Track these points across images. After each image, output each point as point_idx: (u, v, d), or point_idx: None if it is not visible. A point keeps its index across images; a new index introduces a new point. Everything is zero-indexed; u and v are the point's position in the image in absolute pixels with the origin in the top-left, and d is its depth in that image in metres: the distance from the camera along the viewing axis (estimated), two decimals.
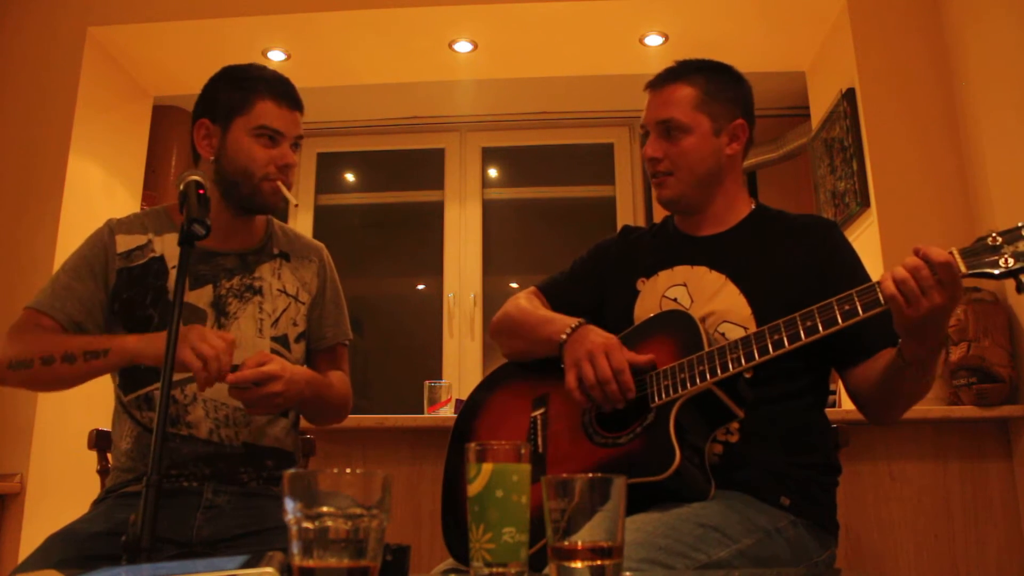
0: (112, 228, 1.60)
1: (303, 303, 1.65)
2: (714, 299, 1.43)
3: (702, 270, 1.48)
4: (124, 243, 1.58)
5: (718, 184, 1.52)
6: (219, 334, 1.35)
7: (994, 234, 1.12)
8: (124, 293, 1.55)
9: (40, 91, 3.17)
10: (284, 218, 3.51)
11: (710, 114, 1.49)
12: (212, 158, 1.57)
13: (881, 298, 1.16)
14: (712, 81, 1.51)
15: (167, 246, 1.58)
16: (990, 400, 2.36)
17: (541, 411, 1.46)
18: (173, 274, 1.55)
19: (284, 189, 1.56)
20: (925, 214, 2.79)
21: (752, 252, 1.48)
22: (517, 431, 1.46)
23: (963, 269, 1.13)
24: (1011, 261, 1.10)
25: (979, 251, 1.12)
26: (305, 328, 1.65)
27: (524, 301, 1.61)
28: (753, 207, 1.56)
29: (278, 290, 1.62)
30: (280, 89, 1.58)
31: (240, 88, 1.57)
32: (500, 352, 1.64)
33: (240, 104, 1.55)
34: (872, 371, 1.36)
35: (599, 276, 1.63)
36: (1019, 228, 1.11)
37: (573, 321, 1.43)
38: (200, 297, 1.55)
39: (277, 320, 1.60)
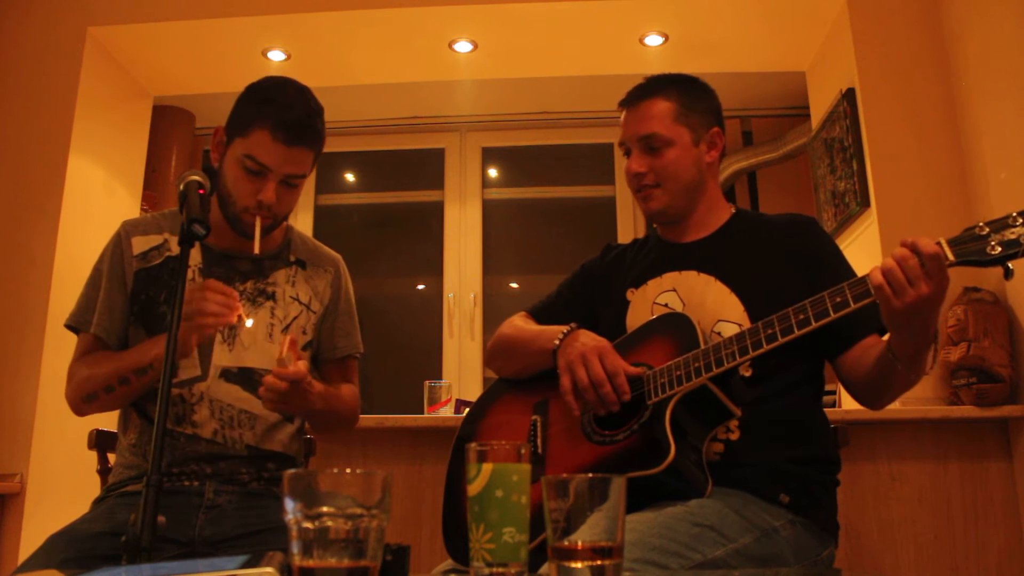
0: (127, 231, 1.60)
1: (315, 312, 1.65)
2: (706, 300, 1.44)
3: (691, 274, 1.49)
4: (140, 244, 1.59)
5: (702, 191, 1.55)
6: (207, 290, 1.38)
7: (981, 223, 1.14)
8: (142, 294, 1.56)
9: (40, 91, 3.17)
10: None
11: (688, 125, 1.51)
12: (216, 167, 1.57)
13: (871, 289, 1.18)
14: (686, 94, 1.53)
15: None
16: (990, 400, 2.36)
17: (541, 414, 1.47)
18: (188, 273, 1.56)
19: (257, 230, 1.48)
20: (925, 214, 2.80)
21: (738, 252, 1.50)
22: (518, 433, 1.47)
23: (951, 257, 1.14)
24: (998, 249, 1.11)
25: (966, 240, 1.14)
26: (313, 337, 1.65)
27: (519, 322, 1.64)
28: (733, 211, 1.59)
29: (291, 297, 1.62)
30: (284, 120, 1.46)
31: (249, 107, 1.51)
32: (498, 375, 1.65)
33: (241, 125, 1.50)
34: (862, 360, 1.38)
35: (588, 294, 1.65)
36: (1006, 218, 1.12)
37: (564, 327, 1.45)
38: None
39: (288, 326, 1.60)
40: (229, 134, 1.53)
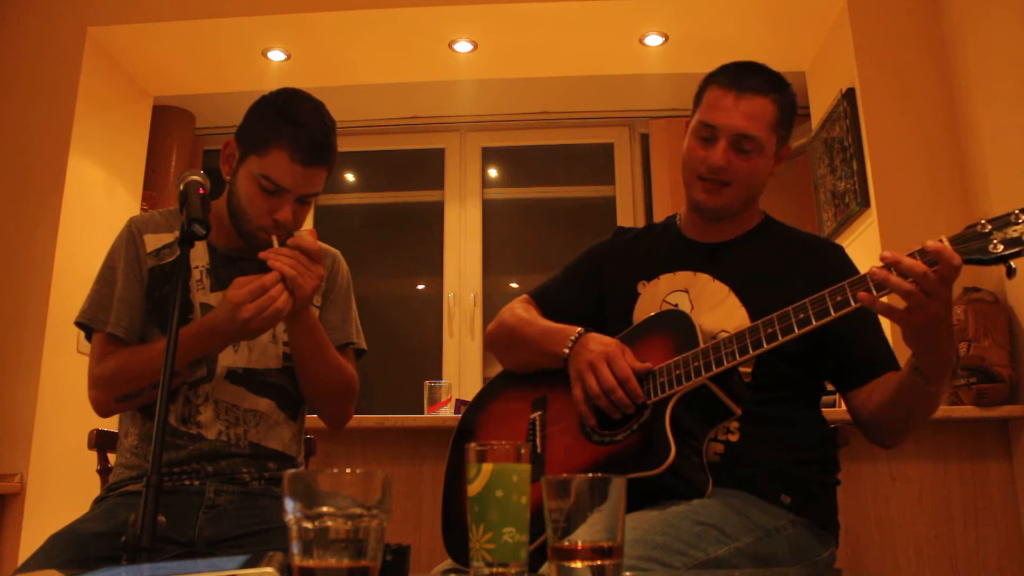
0: (138, 228, 1.59)
1: (316, 307, 1.64)
2: (715, 309, 1.43)
3: (705, 278, 1.47)
4: (153, 242, 1.58)
5: (756, 199, 1.53)
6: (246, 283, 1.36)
7: (983, 221, 1.12)
8: (156, 292, 1.55)
9: (40, 91, 3.17)
10: None
11: (778, 136, 1.48)
12: (228, 179, 1.55)
13: (872, 289, 1.16)
14: (787, 104, 1.48)
15: None
16: (990, 400, 2.36)
17: (540, 413, 1.46)
18: (195, 273, 1.56)
19: (275, 245, 1.46)
20: (925, 214, 2.79)
21: (757, 263, 1.48)
22: (517, 433, 1.46)
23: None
24: (1001, 247, 1.10)
25: (968, 238, 1.13)
26: None
27: (521, 311, 1.60)
28: (762, 218, 1.56)
29: None
30: (302, 141, 1.45)
31: (267, 125, 1.48)
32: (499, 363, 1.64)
33: (258, 143, 1.47)
34: (877, 393, 1.36)
35: (595, 279, 1.62)
36: (1008, 216, 1.11)
37: (573, 332, 1.42)
38: (219, 299, 1.55)
39: None
40: (243, 149, 1.51)
